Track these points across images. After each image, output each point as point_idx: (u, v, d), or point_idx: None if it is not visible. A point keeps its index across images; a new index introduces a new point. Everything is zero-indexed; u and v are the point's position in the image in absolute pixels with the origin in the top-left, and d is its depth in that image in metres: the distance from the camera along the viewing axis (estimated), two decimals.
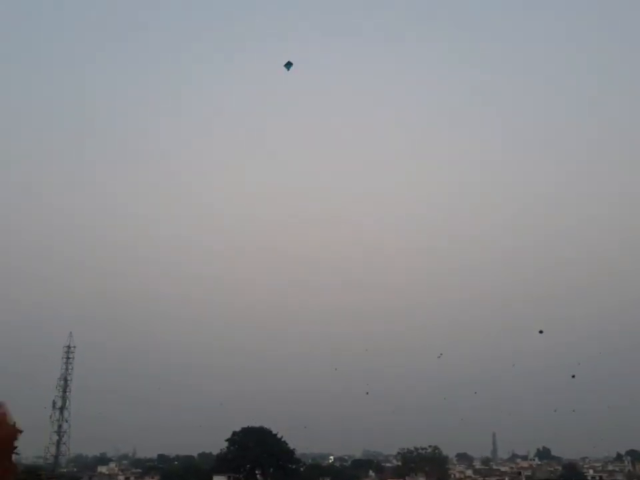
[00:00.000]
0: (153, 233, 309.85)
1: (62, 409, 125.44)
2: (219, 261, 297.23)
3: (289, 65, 22.83)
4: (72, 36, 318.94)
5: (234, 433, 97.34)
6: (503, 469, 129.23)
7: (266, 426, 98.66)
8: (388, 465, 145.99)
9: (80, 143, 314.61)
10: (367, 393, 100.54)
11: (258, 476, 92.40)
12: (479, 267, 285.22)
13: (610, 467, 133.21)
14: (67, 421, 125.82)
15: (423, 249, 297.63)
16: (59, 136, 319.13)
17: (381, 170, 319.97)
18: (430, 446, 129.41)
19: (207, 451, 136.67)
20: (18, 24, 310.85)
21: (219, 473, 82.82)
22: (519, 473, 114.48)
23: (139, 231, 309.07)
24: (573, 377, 76.95)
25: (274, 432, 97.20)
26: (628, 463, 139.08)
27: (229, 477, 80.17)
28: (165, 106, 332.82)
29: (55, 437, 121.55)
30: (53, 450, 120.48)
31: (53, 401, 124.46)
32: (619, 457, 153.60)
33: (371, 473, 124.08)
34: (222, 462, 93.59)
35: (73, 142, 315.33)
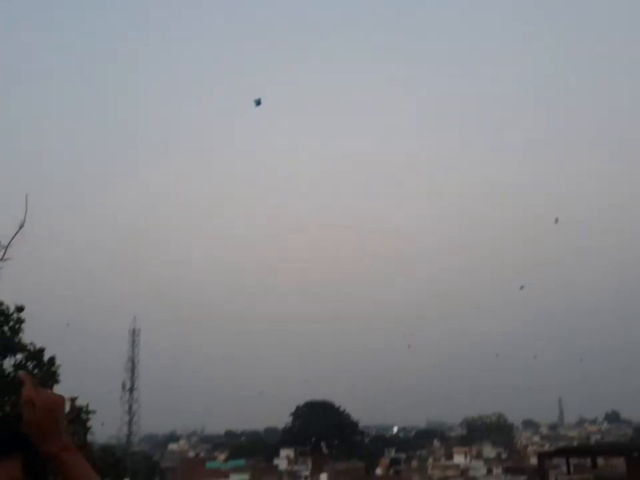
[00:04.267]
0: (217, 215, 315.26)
1: (131, 390, 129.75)
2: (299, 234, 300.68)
3: (258, 102, 22.68)
4: None
5: (298, 408, 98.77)
6: (570, 434, 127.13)
7: (328, 399, 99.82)
8: (453, 434, 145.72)
9: None
10: (409, 346, 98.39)
11: (323, 448, 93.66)
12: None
13: None
14: (136, 402, 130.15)
15: None
16: None
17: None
18: (494, 413, 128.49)
19: (273, 426, 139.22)
20: None
21: (285, 446, 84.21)
22: (588, 438, 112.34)
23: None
24: None
25: (337, 405, 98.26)
26: None
27: (295, 450, 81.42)
28: None
29: (126, 417, 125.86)
30: (125, 430, 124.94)
31: (122, 382, 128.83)
32: None
33: (436, 442, 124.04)
34: (287, 436, 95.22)
35: None
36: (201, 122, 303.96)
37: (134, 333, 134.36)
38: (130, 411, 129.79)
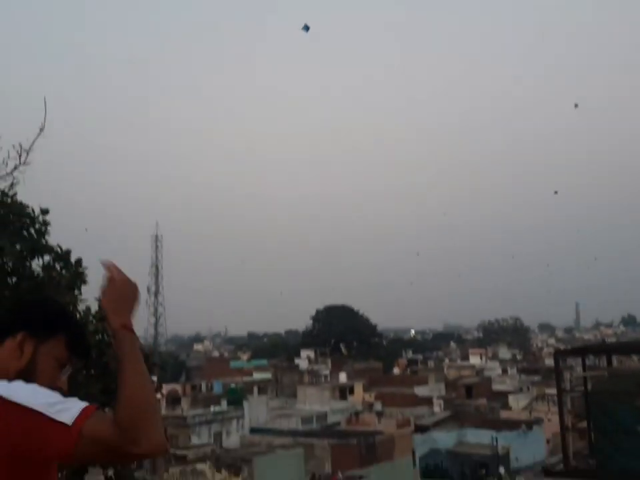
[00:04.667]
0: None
1: (156, 293, 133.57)
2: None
3: (306, 28, 21.74)
4: None
5: (317, 311, 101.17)
6: (586, 336, 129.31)
7: (348, 303, 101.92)
8: (469, 337, 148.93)
9: None
10: (417, 254, 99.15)
11: (342, 349, 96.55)
12: None
13: None
14: (161, 305, 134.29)
15: None
16: None
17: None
18: (511, 317, 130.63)
19: (293, 329, 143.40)
20: None
21: (306, 347, 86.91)
22: (603, 341, 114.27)
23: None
24: None
25: (355, 309, 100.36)
26: None
27: (315, 351, 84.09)
28: None
29: (152, 320, 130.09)
30: (151, 331, 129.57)
31: (147, 286, 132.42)
32: None
33: (452, 344, 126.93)
34: (308, 338, 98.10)
35: None
36: None
37: (157, 239, 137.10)
38: (155, 313, 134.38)
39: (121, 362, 1.75)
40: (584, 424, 7.88)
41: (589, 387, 7.68)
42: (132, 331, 1.83)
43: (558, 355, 7.74)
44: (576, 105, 53.48)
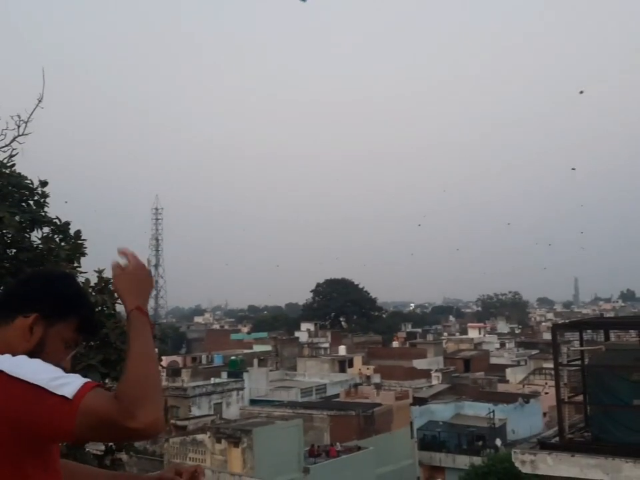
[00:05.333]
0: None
1: (156, 266, 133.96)
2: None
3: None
4: None
5: (318, 285, 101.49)
6: (584, 311, 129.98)
7: (348, 277, 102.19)
8: (468, 311, 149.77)
9: None
10: (457, 250, 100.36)
11: (342, 322, 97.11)
12: None
13: None
14: (162, 277, 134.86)
15: None
16: None
17: None
18: (510, 292, 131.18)
19: (294, 302, 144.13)
20: None
21: (306, 320, 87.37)
22: (602, 315, 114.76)
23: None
24: None
25: (356, 282, 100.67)
26: None
27: (315, 324, 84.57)
28: None
29: (153, 292, 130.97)
30: (152, 303, 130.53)
31: (147, 259, 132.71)
32: None
33: (451, 318, 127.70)
34: (308, 311, 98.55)
35: None
36: None
37: (157, 212, 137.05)
38: (156, 285, 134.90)
39: (130, 340, 1.77)
40: (580, 398, 7.96)
41: (586, 360, 7.74)
42: (146, 314, 1.86)
43: (555, 328, 7.79)
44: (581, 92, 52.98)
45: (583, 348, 7.32)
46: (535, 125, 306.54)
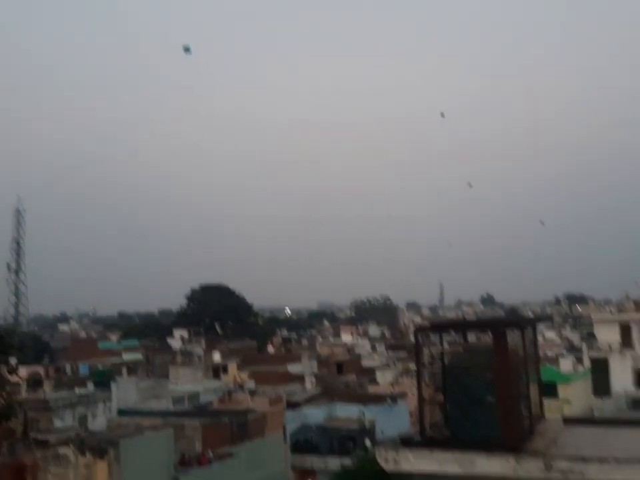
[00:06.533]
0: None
1: (17, 271, 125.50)
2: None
3: (187, 50, 21.59)
4: None
5: (193, 291, 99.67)
6: (449, 314, 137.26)
7: (224, 282, 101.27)
8: (342, 315, 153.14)
9: None
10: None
11: (217, 329, 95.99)
12: None
13: (548, 310, 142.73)
14: (23, 283, 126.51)
15: None
16: None
17: None
18: (382, 296, 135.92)
19: (167, 308, 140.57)
20: None
21: (180, 327, 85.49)
22: (464, 318, 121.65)
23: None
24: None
25: (231, 288, 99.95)
26: (565, 305, 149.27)
27: (189, 330, 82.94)
28: None
29: (13, 299, 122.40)
30: (12, 311, 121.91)
31: (7, 263, 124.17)
32: (557, 302, 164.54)
33: (326, 322, 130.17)
34: (182, 317, 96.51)
35: None
36: None
37: (19, 213, 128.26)
38: (17, 292, 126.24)
39: None
40: (442, 397, 8.34)
41: (447, 361, 8.16)
42: None
43: (418, 331, 8.16)
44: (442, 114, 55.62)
45: (442, 350, 7.71)
46: None
